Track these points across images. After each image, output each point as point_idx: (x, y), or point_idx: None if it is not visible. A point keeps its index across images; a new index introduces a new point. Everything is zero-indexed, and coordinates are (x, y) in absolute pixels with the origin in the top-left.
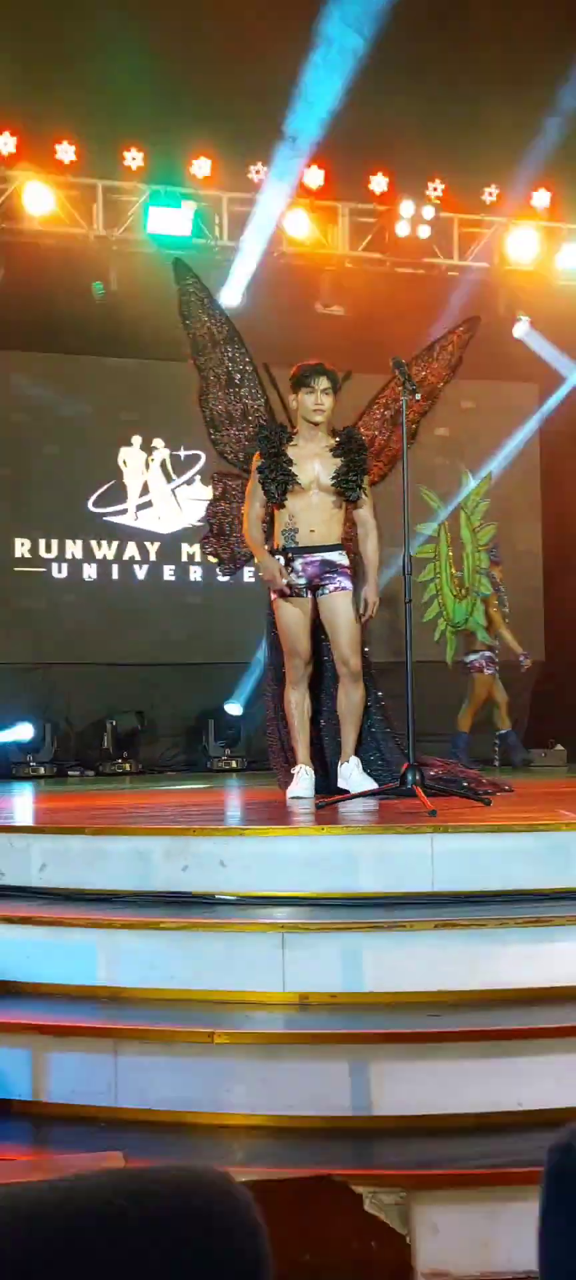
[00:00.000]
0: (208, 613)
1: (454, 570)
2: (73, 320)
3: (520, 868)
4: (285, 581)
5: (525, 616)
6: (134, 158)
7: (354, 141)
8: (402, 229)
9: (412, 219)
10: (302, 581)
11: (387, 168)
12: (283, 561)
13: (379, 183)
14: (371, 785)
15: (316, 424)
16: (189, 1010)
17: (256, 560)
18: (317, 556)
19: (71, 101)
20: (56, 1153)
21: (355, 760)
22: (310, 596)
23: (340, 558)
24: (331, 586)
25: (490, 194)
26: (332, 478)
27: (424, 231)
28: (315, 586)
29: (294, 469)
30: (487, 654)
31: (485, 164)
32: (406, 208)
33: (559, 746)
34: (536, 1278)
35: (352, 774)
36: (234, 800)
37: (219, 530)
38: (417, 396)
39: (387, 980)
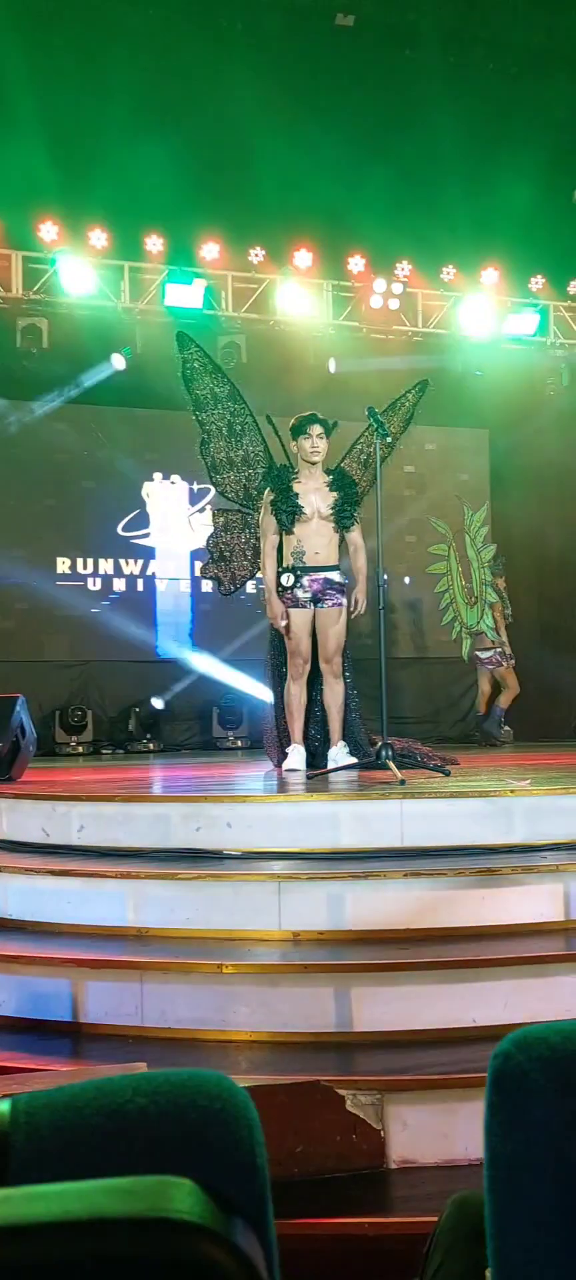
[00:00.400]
0: (216, 619)
1: (464, 582)
2: (105, 378)
3: (474, 827)
4: (284, 615)
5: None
6: (154, 243)
7: (335, 229)
8: (376, 302)
9: (384, 293)
10: (308, 595)
11: (363, 251)
12: (293, 579)
13: (356, 263)
14: (353, 760)
15: (314, 464)
16: (202, 946)
17: (267, 598)
18: (321, 575)
19: (103, 196)
20: (91, 1063)
21: (342, 744)
22: (312, 608)
23: (338, 577)
24: (330, 602)
25: (447, 273)
26: (331, 509)
27: (393, 304)
28: (317, 599)
29: (299, 501)
30: (499, 651)
31: (443, 248)
32: (379, 284)
33: (506, 728)
34: None
35: (339, 756)
36: (238, 774)
37: (219, 557)
38: (388, 440)
39: (365, 919)
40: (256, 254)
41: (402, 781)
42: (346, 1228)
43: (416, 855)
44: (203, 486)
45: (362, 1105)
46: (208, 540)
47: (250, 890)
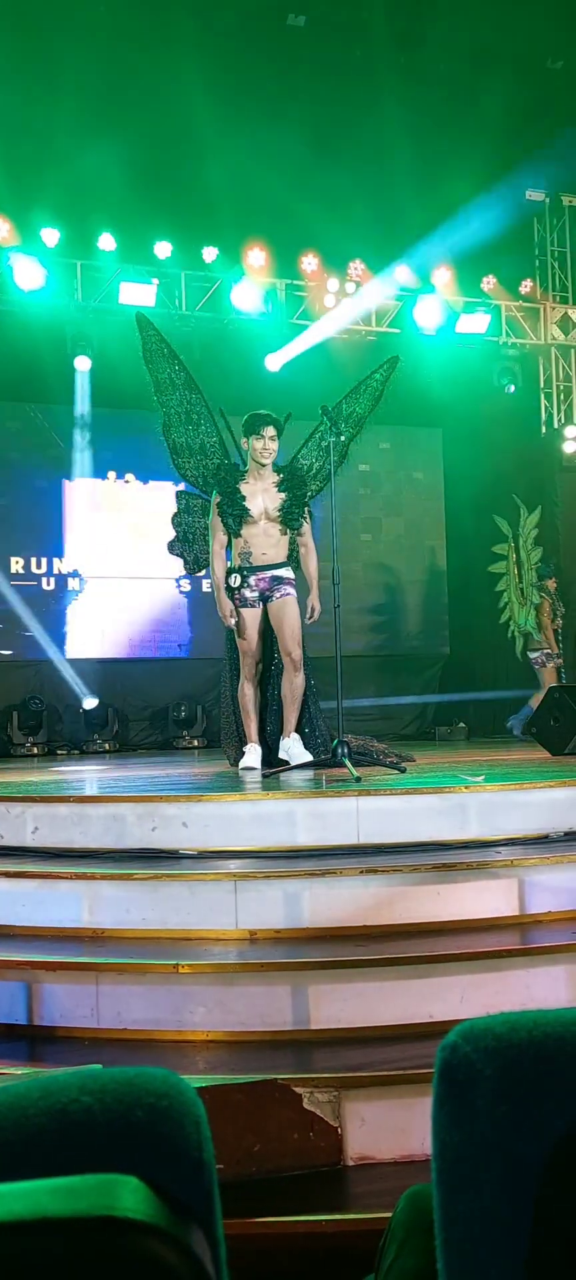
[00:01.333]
0: (172, 618)
1: (518, 582)
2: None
3: (428, 823)
4: (232, 613)
5: (434, 620)
6: (107, 241)
7: (288, 228)
8: (329, 301)
9: (337, 293)
10: (255, 595)
11: (316, 250)
12: (239, 579)
13: (309, 263)
14: (308, 757)
15: (264, 464)
16: (158, 946)
17: (216, 596)
18: (268, 573)
19: (54, 194)
20: (47, 1065)
21: (295, 736)
22: (261, 606)
23: (286, 573)
24: (278, 594)
25: (399, 273)
26: (279, 509)
27: (346, 303)
28: (265, 597)
29: (246, 504)
30: (545, 651)
31: (396, 248)
32: (332, 284)
33: (461, 724)
34: None
35: (292, 747)
36: (193, 772)
37: (183, 537)
38: (342, 438)
39: (321, 917)
40: (210, 253)
41: (358, 779)
42: (304, 1226)
43: (372, 852)
44: (158, 485)
45: (320, 1103)
46: (172, 519)
47: (206, 889)
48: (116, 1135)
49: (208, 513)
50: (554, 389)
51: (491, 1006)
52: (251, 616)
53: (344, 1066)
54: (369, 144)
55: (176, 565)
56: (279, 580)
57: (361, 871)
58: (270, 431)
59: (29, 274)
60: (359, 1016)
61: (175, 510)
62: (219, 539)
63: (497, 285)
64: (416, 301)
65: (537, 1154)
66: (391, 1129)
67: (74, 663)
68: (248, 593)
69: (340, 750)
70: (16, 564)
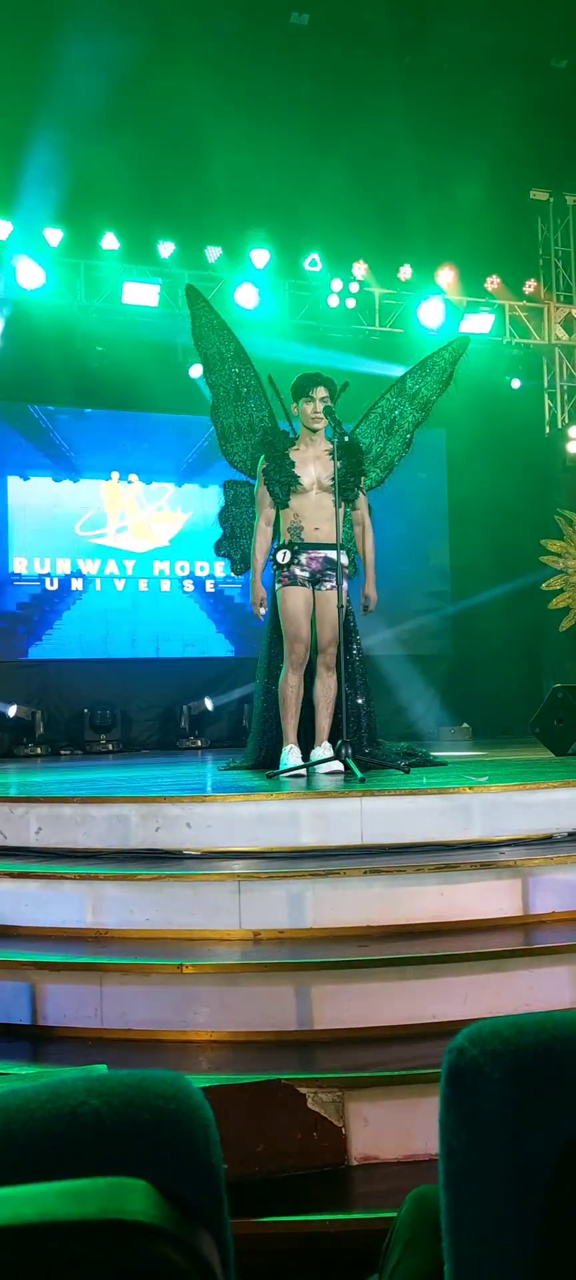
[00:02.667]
0: (177, 619)
1: None
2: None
3: (432, 823)
4: (263, 603)
5: (438, 621)
6: (110, 241)
7: (292, 229)
8: (333, 301)
9: (341, 293)
10: (306, 574)
11: (320, 250)
12: (289, 555)
13: (313, 263)
14: (339, 767)
15: (315, 431)
16: (162, 947)
17: (251, 580)
18: (321, 553)
19: (58, 194)
20: (51, 1065)
21: (327, 746)
22: (311, 588)
23: (343, 558)
24: (328, 585)
25: (403, 272)
26: (331, 479)
27: (351, 303)
28: (316, 579)
29: (296, 471)
30: None
31: (399, 247)
32: (336, 284)
33: (465, 725)
34: None
35: (323, 756)
36: (198, 772)
37: (231, 534)
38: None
39: (325, 917)
40: (213, 253)
41: (363, 779)
42: (308, 1226)
43: (376, 853)
44: (159, 486)
45: (323, 1103)
46: (219, 515)
47: (210, 890)
48: (124, 1138)
49: (256, 500)
50: (557, 389)
51: (495, 1007)
52: (302, 598)
53: (347, 1067)
54: (372, 143)
55: (179, 565)
56: (332, 565)
57: (365, 872)
58: (321, 392)
59: (31, 274)
60: (362, 1017)
61: (223, 504)
62: (265, 513)
63: (501, 285)
64: (419, 300)
65: (545, 1156)
66: (395, 1129)
67: (77, 663)
68: (298, 571)
69: (344, 750)
70: (20, 564)
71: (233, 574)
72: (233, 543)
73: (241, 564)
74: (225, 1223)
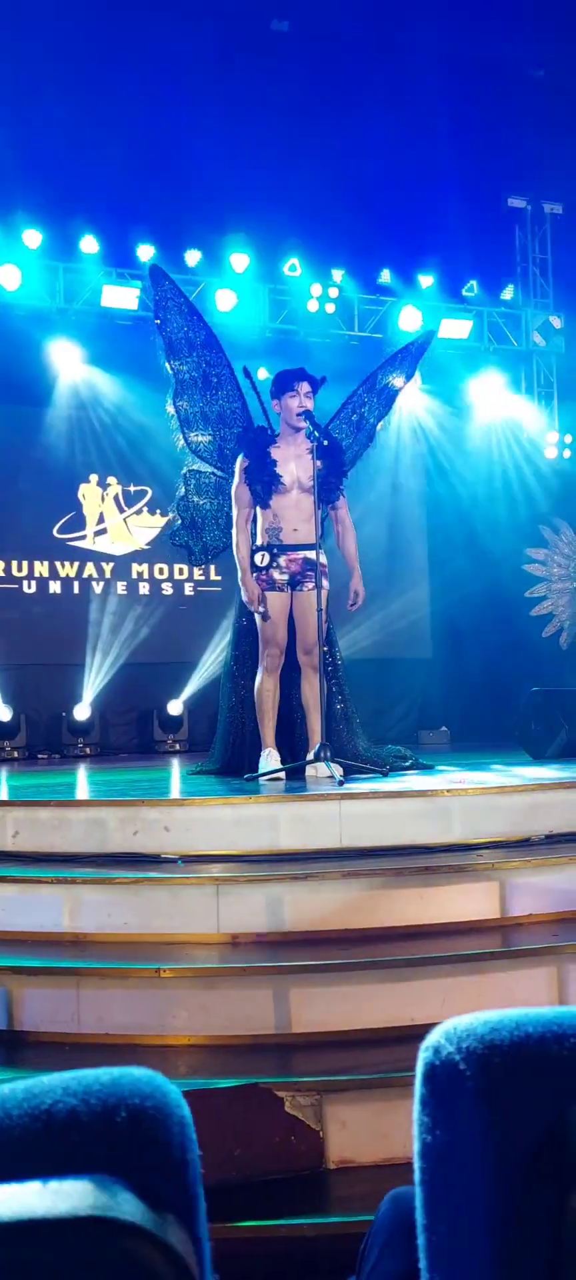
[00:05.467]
0: (154, 622)
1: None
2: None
3: (411, 826)
4: (261, 598)
5: (417, 624)
6: (90, 244)
7: (271, 233)
8: (313, 306)
9: (321, 298)
10: (285, 578)
11: (299, 255)
12: (268, 558)
13: (292, 268)
14: (339, 771)
15: (299, 428)
16: (139, 950)
17: (241, 578)
18: (300, 554)
19: (36, 197)
20: (27, 1070)
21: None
22: (289, 591)
23: (319, 557)
24: (309, 585)
25: (382, 278)
26: (312, 479)
27: (330, 308)
28: (295, 581)
29: (277, 469)
30: None
31: (378, 253)
32: (315, 289)
33: (444, 728)
34: None
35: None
36: (175, 775)
37: (190, 523)
38: (325, 443)
39: (303, 920)
40: (193, 256)
41: (341, 781)
42: (285, 1230)
43: (355, 855)
44: (138, 489)
45: (301, 1107)
46: (177, 504)
47: (188, 894)
48: (101, 1136)
49: (222, 491)
50: (535, 395)
51: (472, 1009)
52: (280, 602)
53: (325, 1070)
54: (352, 149)
55: (157, 568)
56: (311, 566)
57: (344, 874)
58: (305, 387)
59: (9, 277)
60: (341, 1019)
61: (181, 493)
62: (244, 511)
63: (479, 291)
64: (398, 305)
65: (519, 1153)
66: (373, 1132)
67: (55, 667)
68: (276, 574)
69: (322, 753)
70: None
71: (191, 564)
72: (193, 532)
73: (201, 555)
74: (201, 1219)
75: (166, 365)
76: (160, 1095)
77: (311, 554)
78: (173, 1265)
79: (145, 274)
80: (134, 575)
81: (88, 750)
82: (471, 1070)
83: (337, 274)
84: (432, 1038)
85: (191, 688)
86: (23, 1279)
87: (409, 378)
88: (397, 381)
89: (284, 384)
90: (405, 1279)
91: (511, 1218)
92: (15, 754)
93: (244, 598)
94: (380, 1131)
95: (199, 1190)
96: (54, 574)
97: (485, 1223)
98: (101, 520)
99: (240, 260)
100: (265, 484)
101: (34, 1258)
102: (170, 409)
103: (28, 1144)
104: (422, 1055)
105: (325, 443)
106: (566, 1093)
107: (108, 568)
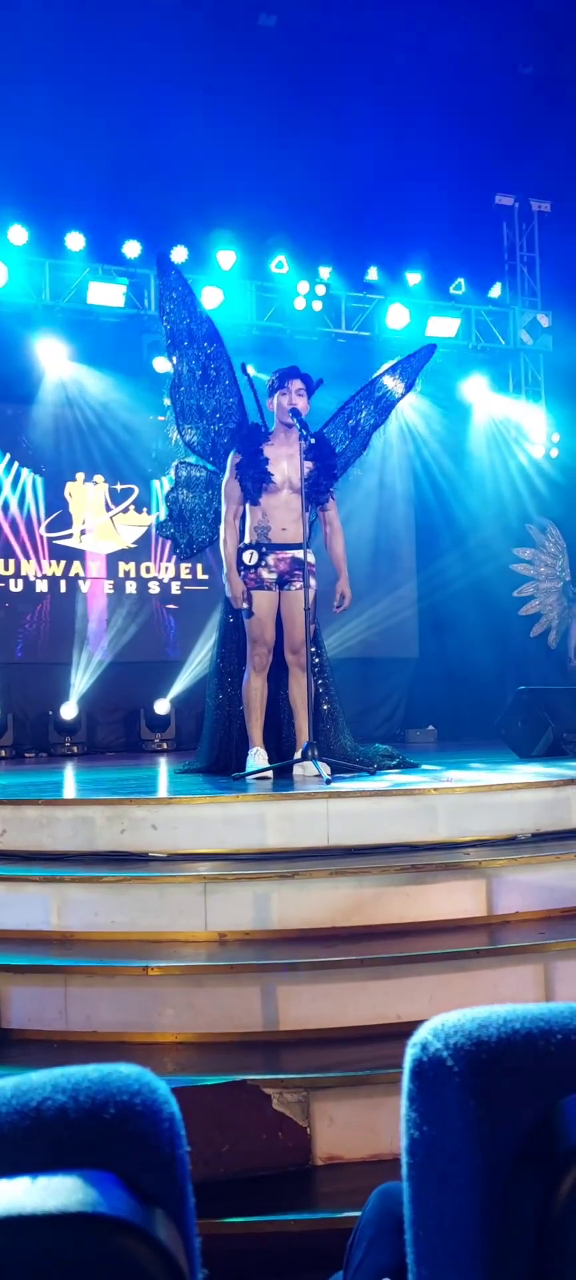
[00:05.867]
0: (141, 621)
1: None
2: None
3: (398, 824)
4: (245, 596)
5: (403, 623)
6: (76, 241)
7: (258, 230)
8: (300, 304)
9: (308, 295)
10: (273, 577)
11: (286, 252)
12: (256, 556)
13: (279, 265)
14: (326, 770)
15: (291, 426)
16: (127, 949)
17: (226, 574)
18: (288, 554)
19: (22, 193)
20: (15, 1068)
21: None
22: (277, 590)
23: (309, 557)
24: (296, 584)
25: (369, 275)
26: (304, 480)
27: (317, 305)
28: (283, 581)
29: (269, 468)
30: None
31: (366, 250)
32: (302, 286)
33: (431, 727)
34: None
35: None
36: (163, 774)
37: (178, 516)
38: (312, 441)
39: (291, 919)
40: (179, 253)
41: (329, 780)
42: (272, 1226)
43: (342, 854)
44: (125, 487)
45: (289, 1103)
46: (166, 496)
47: (176, 892)
48: (90, 1132)
49: (212, 486)
50: (522, 393)
51: (459, 1006)
52: (268, 600)
53: (313, 1067)
54: (339, 146)
55: (144, 567)
56: (299, 565)
57: (331, 873)
58: (297, 385)
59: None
60: (328, 1017)
61: (172, 484)
62: (233, 507)
63: (467, 289)
64: (385, 303)
65: (506, 1149)
66: (360, 1129)
67: (42, 666)
68: (265, 573)
69: (310, 752)
70: None
71: (177, 556)
72: (180, 525)
73: (187, 549)
74: (190, 1215)
75: (168, 356)
76: (148, 1092)
77: (299, 553)
78: (161, 1261)
79: (132, 270)
80: (121, 574)
81: (75, 749)
82: (459, 1066)
83: (325, 271)
84: (420, 1034)
85: (178, 686)
86: (12, 1275)
87: (409, 388)
88: (397, 391)
89: (278, 382)
90: (392, 1274)
91: (499, 1212)
92: (2, 753)
93: (227, 594)
94: (367, 1128)
95: (187, 1186)
96: (40, 573)
97: (472, 1218)
98: (88, 519)
99: (227, 257)
100: (256, 480)
101: (23, 1253)
102: (167, 400)
103: (17, 1141)
104: (410, 1051)
105: (312, 440)
106: (553, 1089)
107: (94, 566)
